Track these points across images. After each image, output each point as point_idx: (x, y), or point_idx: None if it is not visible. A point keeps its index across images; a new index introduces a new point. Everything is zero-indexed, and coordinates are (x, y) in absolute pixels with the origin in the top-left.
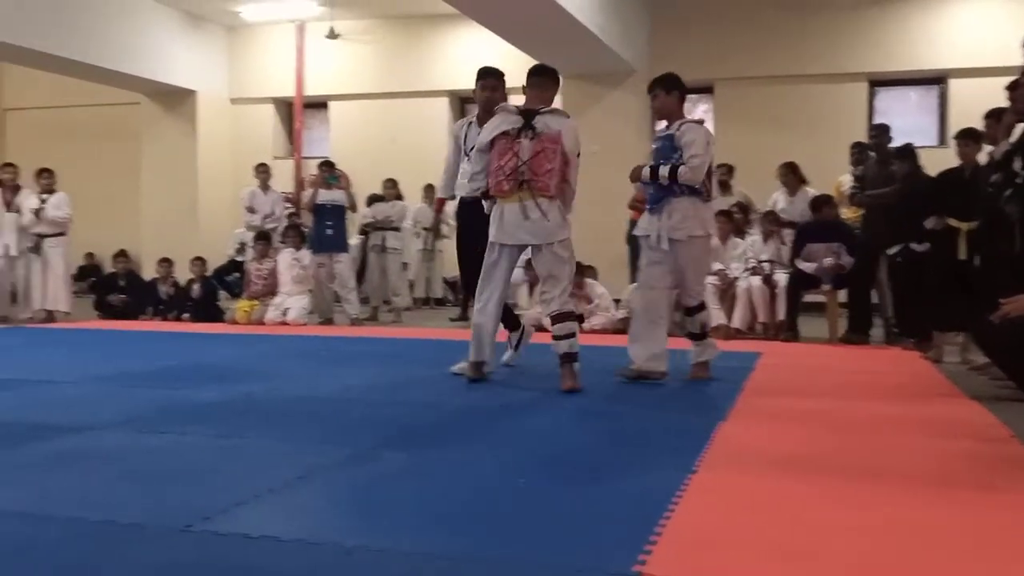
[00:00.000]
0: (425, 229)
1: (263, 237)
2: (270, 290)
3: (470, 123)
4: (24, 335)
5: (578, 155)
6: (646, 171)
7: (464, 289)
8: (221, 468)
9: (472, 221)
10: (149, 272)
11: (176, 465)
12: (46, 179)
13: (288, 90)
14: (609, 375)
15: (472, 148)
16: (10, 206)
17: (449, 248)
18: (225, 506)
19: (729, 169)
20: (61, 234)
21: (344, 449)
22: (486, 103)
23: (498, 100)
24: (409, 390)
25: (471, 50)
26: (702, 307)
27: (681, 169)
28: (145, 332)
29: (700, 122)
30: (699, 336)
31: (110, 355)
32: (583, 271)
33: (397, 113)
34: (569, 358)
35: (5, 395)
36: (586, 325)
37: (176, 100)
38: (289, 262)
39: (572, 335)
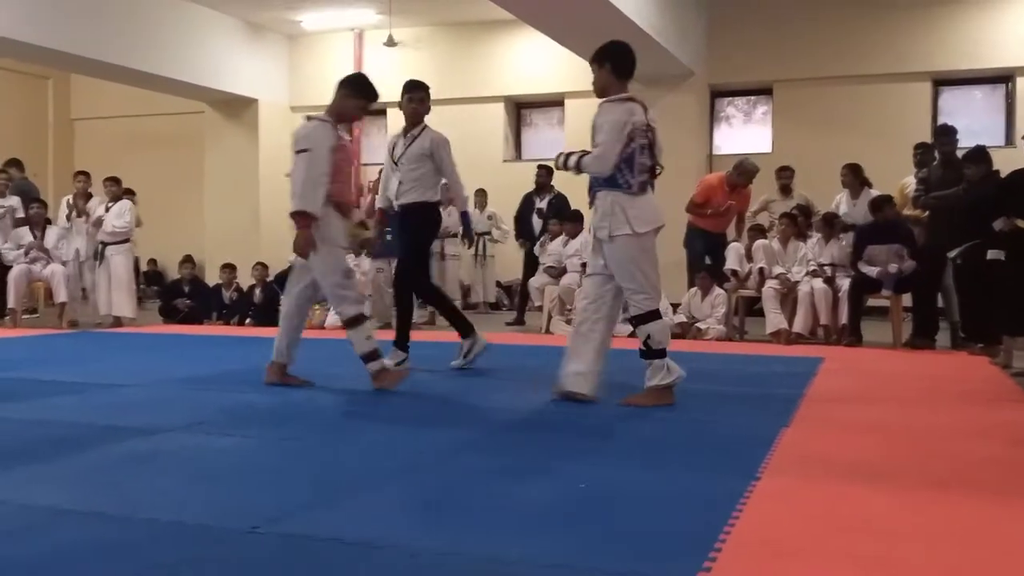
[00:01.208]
0: (479, 234)
1: None
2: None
3: (398, 136)
4: (93, 339)
5: None
6: (560, 158)
7: (394, 287)
8: (286, 470)
9: (399, 228)
10: (212, 277)
11: (243, 467)
12: (112, 187)
13: None
14: None
15: (400, 159)
16: (81, 213)
17: (501, 253)
18: (292, 508)
19: (791, 172)
20: (124, 241)
21: (410, 452)
22: (412, 115)
23: (423, 112)
24: (482, 394)
25: (527, 55)
26: (649, 317)
27: (585, 158)
28: (209, 336)
29: (626, 99)
30: (646, 353)
31: (175, 359)
32: None
33: (454, 119)
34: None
35: (77, 398)
36: None
37: (238, 108)
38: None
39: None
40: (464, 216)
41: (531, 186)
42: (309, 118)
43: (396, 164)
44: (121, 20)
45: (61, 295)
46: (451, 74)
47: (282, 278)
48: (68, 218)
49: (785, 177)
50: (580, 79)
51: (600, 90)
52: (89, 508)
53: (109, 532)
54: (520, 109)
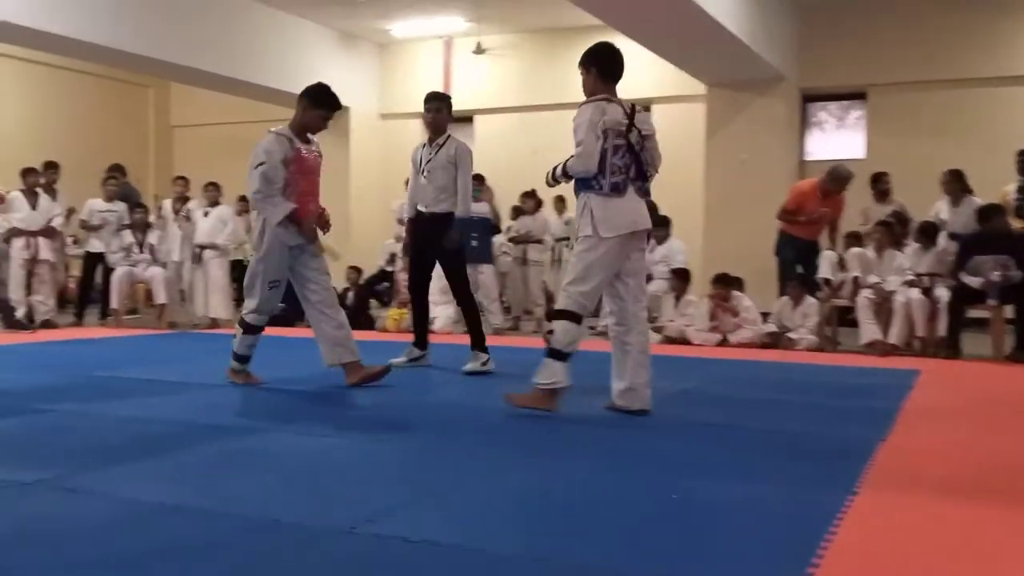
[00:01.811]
0: (557, 240)
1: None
2: None
3: (423, 145)
4: (190, 340)
5: None
6: (548, 175)
7: (410, 291)
8: (380, 470)
9: (430, 235)
10: None
11: (337, 467)
12: (211, 192)
13: None
14: (758, 388)
15: (426, 167)
16: (179, 216)
17: None
18: (386, 508)
19: (888, 178)
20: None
21: (498, 456)
22: (430, 124)
23: (440, 122)
24: (567, 401)
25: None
26: (563, 314)
27: (569, 161)
28: (301, 338)
29: (600, 99)
30: (547, 350)
31: (269, 360)
32: (729, 283)
33: (540, 126)
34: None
35: (176, 397)
36: (732, 339)
37: None
38: (436, 273)
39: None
40: (459, 222)
41: None
42: (269, 131)
43: (421, 173)
44: (219, 30)
45: (161, 297)
46: (538, 80)
47: (372, 282)
48: (170, 220)
49: (883, 183)
50: (668, 84)
51: (588, 93)
52: (190, 504)
53: (210, 529)
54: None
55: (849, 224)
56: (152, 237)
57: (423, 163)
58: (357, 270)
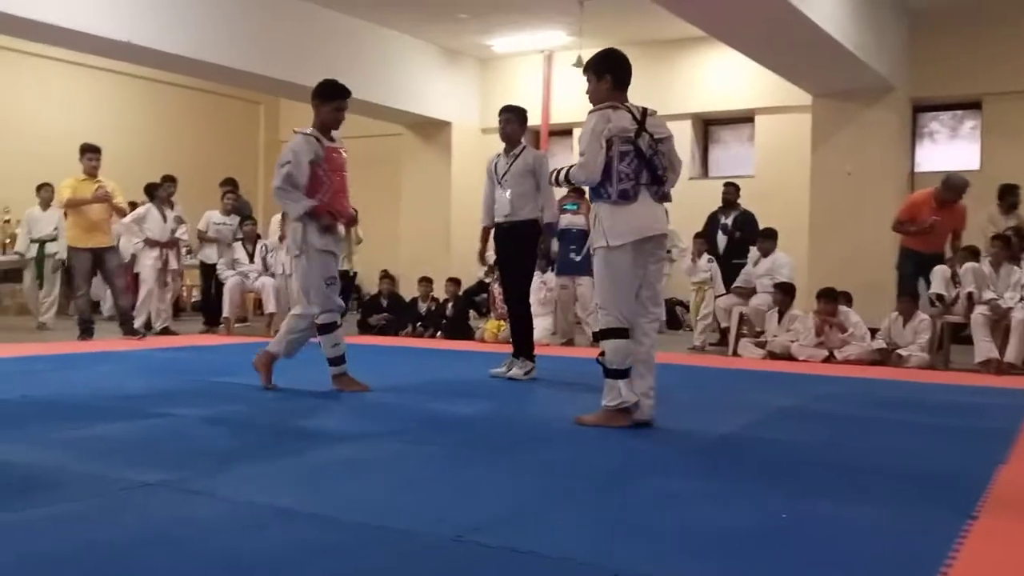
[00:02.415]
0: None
1: None
2: None
3: (499, 155)
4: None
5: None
6: (553, 175)
7: (506, 303)
8: (484, 480)
9: (507, 244)
10: (404, 289)
11: (443, 475)
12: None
13: (535, 118)
14: (866, 406)
15: (504, 177)
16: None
17: (677, 270)
18: (492, 518)
19: (1017, 190)
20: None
21: (604, 470)
22: (503, 136)
23: (509, 132)
24: (671, 416)
25: (716, 72)
26: (607, 334)
27: (572, 169)
28: (404, 348)
29: (607, 106)
30: (604, 370)
31: (373, 369)
32: (836, 298)
33: None
34: None
35: (286, 403)
36: (839, 355)
37: (433, 131)
38: (536, 284)
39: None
40: (548, 228)
41: (718, 204)
42: (295, 132)
43: (500, 183)
44: (327, 48)
45: (270, 306)
46: (638, 93)
47: (471, 293)
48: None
49: (1013, 196)
50: (771, 95)
51: (595, 101)
52: (303, 508)
53: (322, 533)
54: (708, 126)
55: (975, 237)
56: (262, 248)
57: (501, 174)
58: (456, 282)
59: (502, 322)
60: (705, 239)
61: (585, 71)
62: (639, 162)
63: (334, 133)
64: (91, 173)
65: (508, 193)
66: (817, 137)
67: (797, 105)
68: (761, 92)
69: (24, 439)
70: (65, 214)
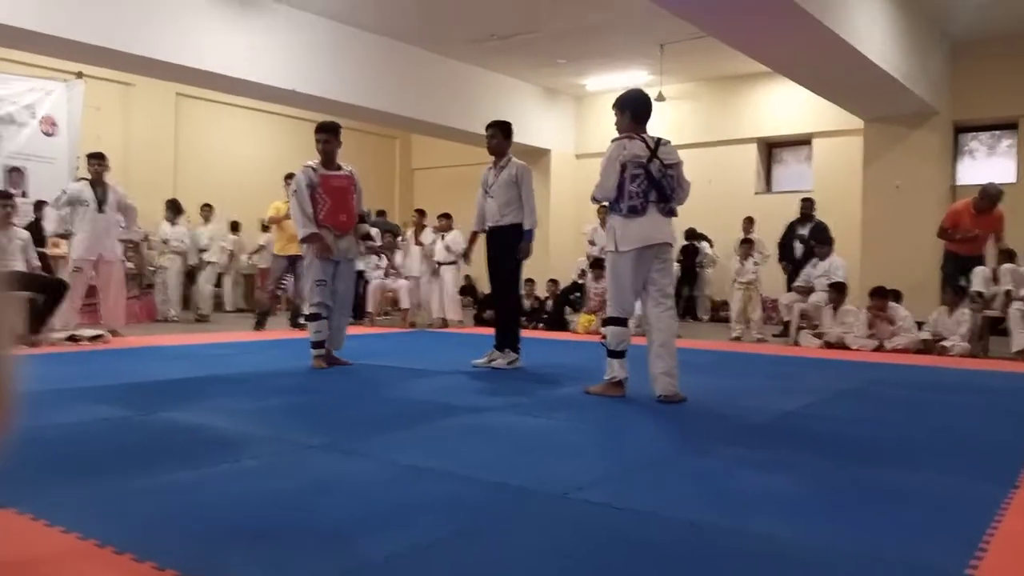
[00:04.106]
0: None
1: (597, 264)
2: (602, 305)
3: (489, 168)
4: (427, 337)
5: None
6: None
7: (494, 298)
8: (585, 447)
9: (494, 246)
10: None
11: (552, 443)
12: (444, 221)
13: None
14: (915, 389)
15: (492, 187)
16: (418, 241)
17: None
18: (594, 480)
19: None
20: (454, 262)
21: (682, 439)
22: (489, 149)
23: (493, 147)
24: (736, 397)
25: (778, 101)
26: (610, 321)
27: (594, 189)
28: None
29: (625, 137)
30: (608, 351)
31: (484, 351)
32: (886, 295)
33: (712, 160)
34: None
35: (421, 382)
36: (888, 344)
37: (535, 158)
38: None
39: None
40: (528, 234)
41: (782, 215)
42: (303, 165)
43: (488, 192)
44: (448, 90)
45: (405, 303)
46: (711, 121)
47: (567, 292)
48: (412, 243)
49: None
50: (827, 120)
51: (619, 130)
52: (437, 467)
53: (456, 487)
54: (771, 148)
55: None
56: (397, 257)
57: (489, 185)
58: (555, 282)
59: (592, 316)
60: (783, 246)
61: (613, 107)
62: (648, 183)
63: (341, 162)
64: None
65: (495, 202)
66: (868, 156)
67: (850, 128)
68: (818, 118)
69: (213, 408)
70: (267, 228)
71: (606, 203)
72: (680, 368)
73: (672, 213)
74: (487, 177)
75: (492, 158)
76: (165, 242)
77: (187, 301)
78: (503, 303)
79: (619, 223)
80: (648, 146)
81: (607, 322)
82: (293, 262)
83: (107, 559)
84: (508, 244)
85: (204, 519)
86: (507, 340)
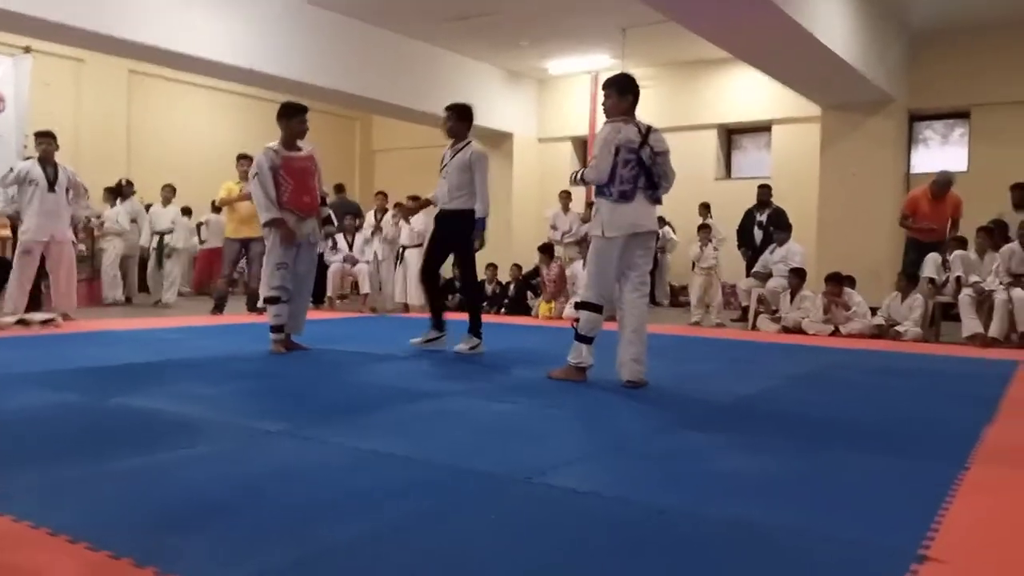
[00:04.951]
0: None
1: (546, 250)
2: (559, 291)
3: (447, 148)
4: (386, 322)
5: None
6: (572, 176)
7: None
8: (548, 432)
9: (443, 229)
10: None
11: (514, 427)
12: (413, 202)
13: (583, 129)
14: (869, 373)
15: (445, 168)
16: (379, 224)
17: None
18: (556, 464)
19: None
20: (419, 245)
21: (648, 425)
22: (445, 132)
23: (446, 130)
24: (701, 382)
25: (739, 87)
26: (584, 305)
27: (585, 170)
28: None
29: (618, 120)
30: (575, 334)
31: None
32: (841, 281)
33: (673, 145)
34: None
35: (382, 367)
36: (844, 329)
37: (498, 141)
38: (583, 270)
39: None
40: (480, 222)
41: (741, 202)
42: (265, 147)
43: (442, 172)
44: (410, 72)
45: (365, 287)
46: (672, 106)
47: (529, 277)
48: (372, 231)
49: (1020, 191)
50: (786, 107)
51: (609, 114)
52: (399, 452)
53: (418, 472)
54: (731, 134)
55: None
56: (358, 240)
57: (443, 164)
58: (518, 267)
59: (551, 304)
60: (742, 232)
61: (605, 87)
62: (639, 169)
63: (301, 143)
64: (244, 177)
65: (447, 183)
66: (825, 143)
67: (808, 116)
68: (777, 105)
69: (169, 394)
70: (218, 210)
71: (582, 185)
72: (658, 355)
73: (658, 201)
74: (444, 156)
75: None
76: (101, 224)
77: (142, 284)
78: (464, 288)
79: (607, 208)
80: (640, 132)
81: (581, 306)
82: (246, 245)
83: (61, 547)
84: (457, 230)
85: (161, 506)
86: (470, 326)
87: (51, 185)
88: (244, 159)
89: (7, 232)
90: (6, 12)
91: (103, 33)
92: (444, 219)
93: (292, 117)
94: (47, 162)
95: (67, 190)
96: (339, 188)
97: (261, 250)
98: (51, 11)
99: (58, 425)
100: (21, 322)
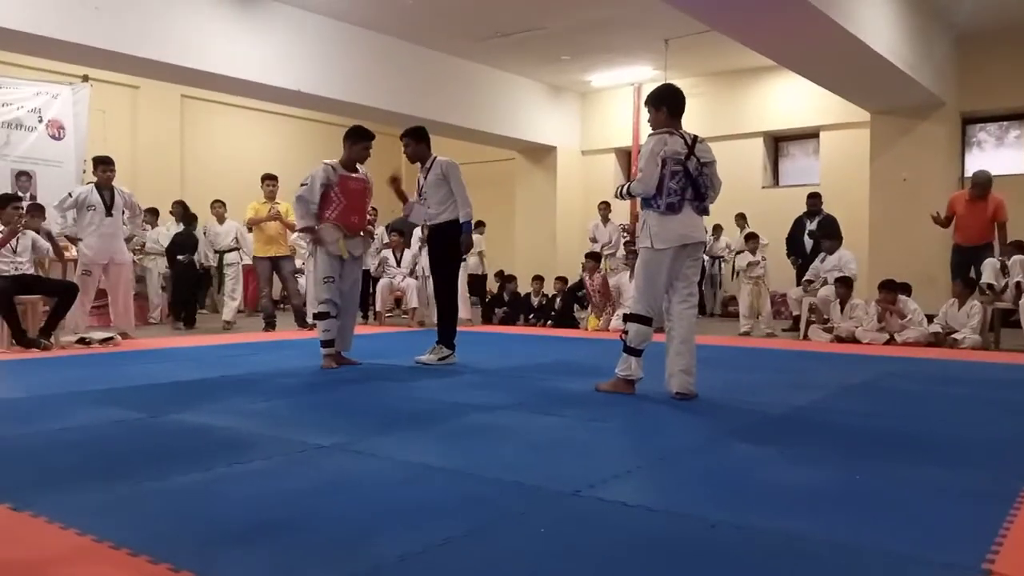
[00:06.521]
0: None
1: (593, 256)
2: (605, 302)
3: (418, 174)
4: (434, 336)
5: None
6: (618, 190)
7: (437, 297)
8: (598, 445)
9: (433, 245)
10: (519, 286)
11: (562, 440)
12: (396, 238)
13: (626, 141)
14: (926, 382)
15: (423, 189)
16: (426, 239)
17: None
18: (605, 477)
19: None
20: (463, 259)
21: (696, 435)
22: (408, 157)
23: (411, 155)
24: (751, 391)
25: (785, 95)
26: (633, 317)
27: (632, 184)
28: (520, 335)
29: (664, 132)
30: (624, 346)
31: (498, 352)
32: (896, 288)
33: (719, 154)
34: None
35: (431, 381)
36: (899, 338)
37: (541, 155)
38: (628, 281)
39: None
40: (466, 226)
41: (790, 210)
42: (323, 163)
43: (421, 198)
44: (454, 89)
45: (412, 302)
46: (716, 115)
47: (575, 289)
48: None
49: None
50: (833, 112)
51: (655, 126)
52: (451, 466)
53: (468, 486)
54: (777, 142)
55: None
56: (406, 256)
57: (420, 190)
58: (563, 280)
59: (598, 319)
60: (791, 241)
61: (646, 103)
62: (686, 180)
63: (360, 166)
64: (269, 197)
65: (429, 204)
66: (875, 149)
67: (857, 121)
68: (824, 111)
69: (224, 410)
70: (249, 229)
71: (628, 199)
72: (715, 367)
73: (705, 212)
74: (419, 180)
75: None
76: (142, 246)
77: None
78: (441, 298)
79: (655, 220)
80: (687, 143)
81: (630, 318)
82: (276, 263)
83: (122, 560)
84: (447, 243)
85: (217, 521)
86: (442, 335)
87: (108, 210)
88: (269, 179)
89: (73, 255)
90: (65, 43)
91: (155, 59)
92: (435, 235)
93: (358, 142)
94: (104, 187)
95: (123, 212)
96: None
97: (292, 268)
98: (108, 41)
99: (118, 441)
100: (82, 341)
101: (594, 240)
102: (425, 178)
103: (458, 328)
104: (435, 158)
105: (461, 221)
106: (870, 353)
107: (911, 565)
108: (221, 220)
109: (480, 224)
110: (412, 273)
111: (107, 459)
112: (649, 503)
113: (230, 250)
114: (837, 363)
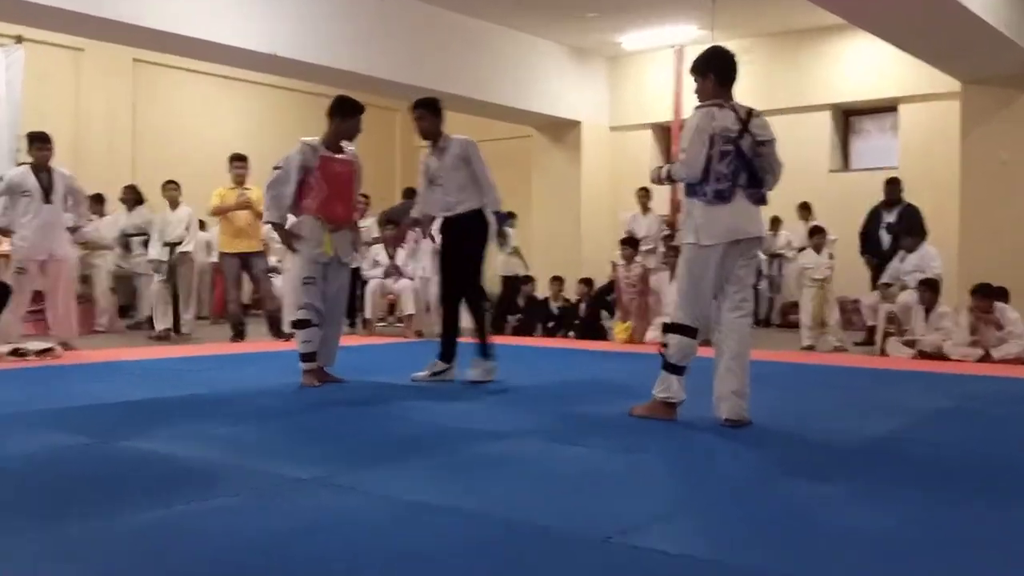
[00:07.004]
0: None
1: (630, 243)
2: (643, 303)
3: (429, 154)
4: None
5: None
6: (654, 173)
7: (443, 303)
8: (630, 480)
9: (450, 237)
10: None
11: (589, 475)
12: (389, 232)
13: (666, 115)
14: (1021, 407)
15: (437, 172)
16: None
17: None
18: (640, 521)
19: None
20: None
21: (752, 472)
22: (419, 133)
23: (423, 129)
24: (814, 418)
25: (856, 60)
26: (674, 328)
27: (674, 166)
28: (537, 348)
29: (711, 104)
30: (662, 362)
31: (511, 368)
32: (991, 294)
33: (777, 131)
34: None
35: (430, 403)
36: (996, 354)
37: (562, 131)
38: (668, 284)
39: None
40: (500, 217)
41: (862, 197)
42: (300, 141)
43: (434, 183)
44: (457, 53)
45: (409, 307)
46: (773, 84)
47: (603, 292)
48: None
49: None
50: (916, 82)
51: (702, 98)
52: (452, 505)
53: (472, 530)
54: (848, 116)
55: None
56: (401, 252)
57: (434, 174)
58: (588, 282)
59: (629, 324)
60: (866, 236)
61: (691, 71)
62: (738, 163)
63: (346, 145)
64: (238, 181)
65: (444, 191)
66: (967, 125)
67: (944, 92)
68: (905, 80)
69: (184, 435)
70: (205, 223)
71: (669, 183)
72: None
73: (762, 200)
74: (428, 164)
75: (427, 142)
76: (86, 242)
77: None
78: (469, 301)
79: (701, 210)
80: (739, 117)
81: (670, 329)
82: (245, 260)
83: None
84: (467, 231)
85: (175, 567)
86: (481, 347)
87: (46, 195)
88: (238, 161)
89: (5, 249)
90: None
91: (105, 17)
92: (452, 227)
93: (348, 117)
94: (41, 169)
95: (65, 198)
96: (408, 193)
97: (265, 266)
98: None
99: (62, 472)
100: (16, 352)
101: (631, 234)
102: (440, 160)
103: (461, 339)
104: (448, 136)
105: (492, 211)
106: (961, 372)
107: None
108: (174, 205)
109: (510, 215)
110: (397, 271)
111: (49, 494)
112: (695, 552)
113: (181, 242)
114: (921, 383)
